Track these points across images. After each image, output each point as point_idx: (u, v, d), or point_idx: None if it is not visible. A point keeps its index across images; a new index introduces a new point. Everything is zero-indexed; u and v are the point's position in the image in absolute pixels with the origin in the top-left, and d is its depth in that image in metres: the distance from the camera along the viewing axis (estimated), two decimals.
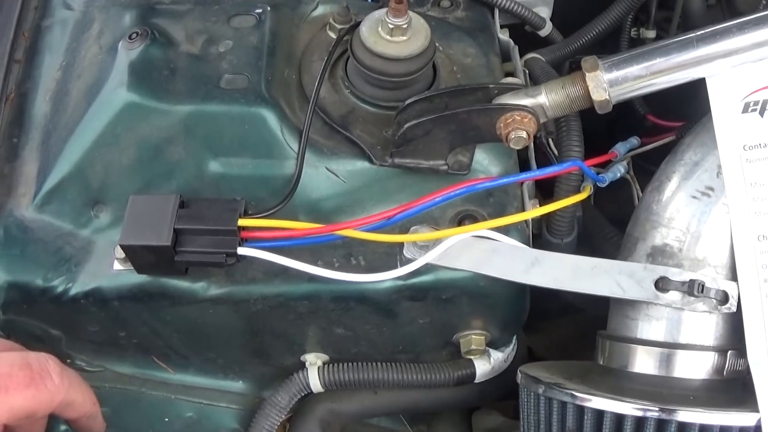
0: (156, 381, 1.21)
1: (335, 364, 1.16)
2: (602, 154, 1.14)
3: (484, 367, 1.17)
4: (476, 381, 1.17)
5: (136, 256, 0.99)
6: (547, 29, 1.34)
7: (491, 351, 1.17)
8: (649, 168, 1.25)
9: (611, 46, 1.50)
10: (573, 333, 1.49)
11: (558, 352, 1.49)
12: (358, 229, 0.98)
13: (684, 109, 1.25)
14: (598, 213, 1.27)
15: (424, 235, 1.03)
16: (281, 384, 1.18)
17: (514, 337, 1.22)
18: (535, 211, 1.04)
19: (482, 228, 1.01)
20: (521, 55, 1.24)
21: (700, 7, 1.39)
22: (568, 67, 1.45)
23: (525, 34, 1.34)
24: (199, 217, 0.97)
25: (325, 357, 1.18)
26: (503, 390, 1.23)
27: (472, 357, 1.16)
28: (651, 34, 1.50)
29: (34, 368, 0.91)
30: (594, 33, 1.37)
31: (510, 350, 1.20)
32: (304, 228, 0.97)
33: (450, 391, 1.20)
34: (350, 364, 1.16)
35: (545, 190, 1.13)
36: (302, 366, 1.18)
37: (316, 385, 1.15)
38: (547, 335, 1.50)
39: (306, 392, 1.17)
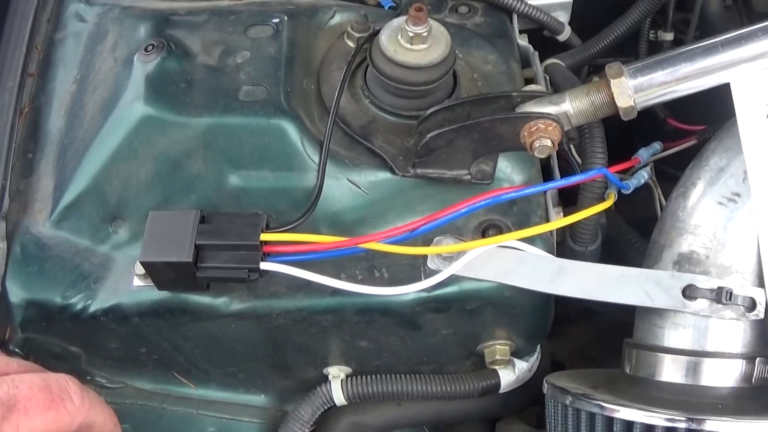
0: (177, 396, 1.20)
1: (358, 377, 1.15)
2: (620, 158, 1.13)
3: (508, 377, 1.15)
4: (501, 391, 1.16)
5: (156, 272, 0.98)
6: (565, 34, 1.33)
7: (516, 361, 1.16)
8: (669, 172, 1.25)
9: (629, 49, 1.50)
10: (593, 337, 1.49)
11: (578, 356, 1.49)
12: (382, 242, 0.97)
13: (704, 113, 1.25)
14: (621, 219, 1.26)
15: (448, 247, 1.02)
16: (304, 397, 1.17)
17: (539, 346, 1.21)
18: (560, 222, 1.03)
19: (508, 239, 1.00)
20: (540, 58, 1.23)
21: (717, 9, 1.38)
22: (587, 71, 1.44)
23: (543, 39, 1.33)
24: (220, 233, 0.96)
25: (348, 369, 1.17)
26: (527, 399, 1.22)
27: (496, 367, 1.15)
28: (669, 36, 1.50)
29: (54, 390, 0.89)
30: (613, 37, 1.37)
31: (534, 359, 1.19)
32: (327, 241, 0.96)
33: (474, 401, 1.19)
34: (374, 376, 1.15)
35: (567, 196, 1.12)
36: (325, 379, 1.17)
37: (339, 398, 1.14)
38: (567, 339, 1.49)
39: (329, 405, 1.16)
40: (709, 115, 1.24)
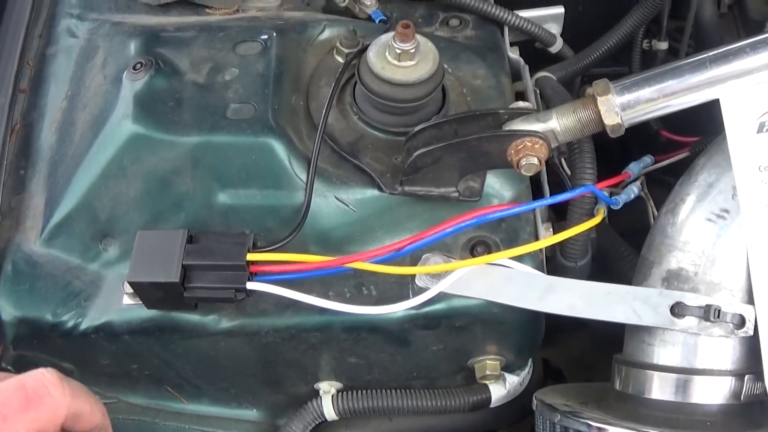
0: (170, 411, 1.20)
1: (349, 392, 1.15)
2: (615, 169, 1.13)
3: (499, 391, 1.15)
4: (492, 405, 1.16)
5: (144, 292, 0.98)
6: (557, 45, 1.32)
7: (507, 375, 1.16)
8: (664, 179, 1.24)
9: (623, 59, 1.49)
10: (590, 345, 1.48)
11: (575, 364, 1.48)
12: (369, 261, 0.97)
13: (697, 123, 1.24)
14: (613, 232, 1.25)
15: (436, 267, 1.01)
16: (295, 412, 1.17)
17: (530, 360, 1.20)
18: (548, 240, 1.03)
19: (496, 259, 1.00)
20: (532, 70, 1.23)
21: (712, 17, 1.37)
22: (580, 81, 1.44)
23: (536, 51, 1.33)
24: (207, 253, 0.96)
25: (339, 385, 1.17)
26: (519, 413, 1.22)
27: (487, 382, 1.15)
28: (663, 45, 1.49)
29: (29, 388, 0.87)
30: (605, 48, 1.36)
31: (525, 373, 1.19)
32: (313, 261, 0.96)
33: (465, 416, 1.19)
34: (364, 391, 1.15)
35: (558, 209, 1.12)
36: (316, 394, 1.17)
37: (330, 413, 1.14)
38: (564, 348, 1.49)
39: (320, 420, 1.16)
40: (703, 125, 1.23)
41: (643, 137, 1.40)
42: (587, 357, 1.49)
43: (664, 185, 1.17)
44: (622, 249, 1.22)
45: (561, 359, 1.49)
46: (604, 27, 1.39)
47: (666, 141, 1.40)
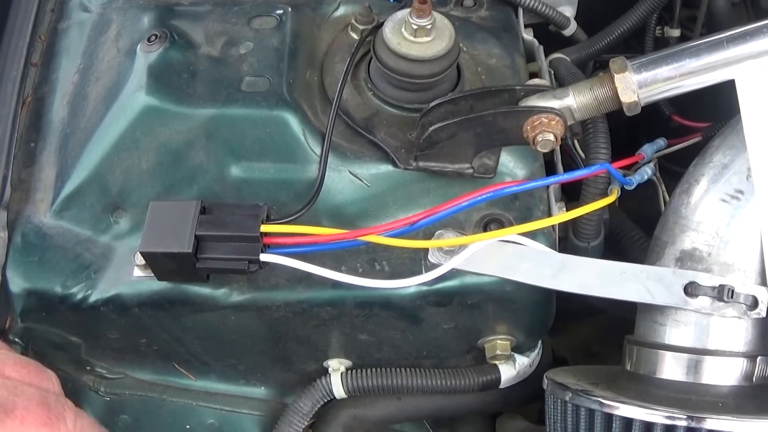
0: (177, 388, 1.20)
1: (358, 370, 1.15)
2: (624, 153, 1.12)
3: (509, 372, 1.15)
4: (501, 386, 1.16)
5: (156, 263, 0.98)
6: (571, 29, 1.32)
7: (516, 356, 1.16)
8: (672, 168, 1.24)
9: (636, 45, 1.49)
10: (595, 333, 1.48)
11: (581, 352, 1.48)
12: (382, 235, 0.96)
13: (709, 109, 1.24)
14: (624, 215, 1.25)
15: (449, 240, 1.01)
16: (304, 390, 1.17)
17: (540, 342, 1.20)
18: (562, 216, 1.03)
19: (509, 234, 1.00)
20: (545, 53, 1.22)
21: (724, 6, 1.37)
22: (593, 66, 1.44)
23: (549, 34, 1.33)
24: (220, 224, 0.95)
25: (348, 362, 1.17)
26: (528, 395, 1.22)
27: (497, 362, 1.15)
28: (675, 32, 1.49)
29: (51, 409, 0.90)
30: (619, 32, 1.36)
31: (535, 355, 1.19)
32: (327, 234, 0.96)
33: (474, 396, 1.19)
34: (374, 369, 1.15)
35: (570, 192, 1.12)
36: (325, 372, 1.17)
37: (339, 391, 1.14)
38: (569, 336, 1.49)
39: (329, 398, 1.16)
40: (714, 111, 1.23)
41: (652, 124, 1.40)
42: (592, 345, 1.49)
43: (673, 175, 1.16)
44: (633, 233, 1.22)
45: (566, 348, 1.48)
46: (618, 11, 1.39)
47: (676, 127, 1.40)
